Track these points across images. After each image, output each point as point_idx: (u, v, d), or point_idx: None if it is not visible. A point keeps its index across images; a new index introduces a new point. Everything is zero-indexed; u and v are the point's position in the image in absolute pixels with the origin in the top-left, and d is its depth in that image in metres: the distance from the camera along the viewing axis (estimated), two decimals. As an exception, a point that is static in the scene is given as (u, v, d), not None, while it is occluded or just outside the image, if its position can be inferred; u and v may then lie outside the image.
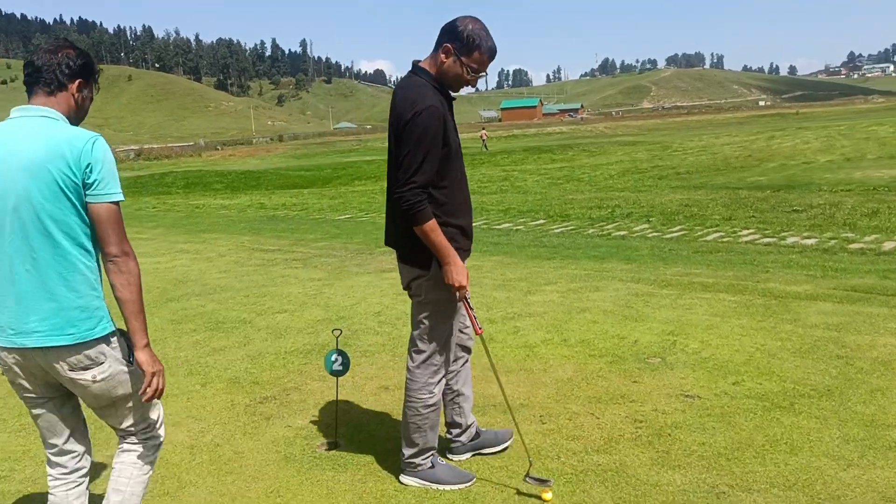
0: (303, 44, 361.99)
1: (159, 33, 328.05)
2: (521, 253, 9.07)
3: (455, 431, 3.49)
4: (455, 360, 3.38)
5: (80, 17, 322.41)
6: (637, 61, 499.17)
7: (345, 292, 7.25)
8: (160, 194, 24.86)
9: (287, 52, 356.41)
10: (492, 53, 2.94)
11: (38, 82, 2.35)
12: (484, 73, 2.98)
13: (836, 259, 7.90)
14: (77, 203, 2.27)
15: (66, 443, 2.54)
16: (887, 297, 6.06)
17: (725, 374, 4.44)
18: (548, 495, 3.06)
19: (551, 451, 3.54)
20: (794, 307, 5.87)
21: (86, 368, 2.35)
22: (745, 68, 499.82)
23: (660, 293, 6.61)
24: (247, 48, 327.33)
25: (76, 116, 2.43)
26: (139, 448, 2.59)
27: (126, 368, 2.44)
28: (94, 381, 2.37)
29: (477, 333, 3.13)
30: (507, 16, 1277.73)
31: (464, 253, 3.09)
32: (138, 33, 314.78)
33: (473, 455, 3.53)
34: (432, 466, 3.25)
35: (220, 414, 4.23)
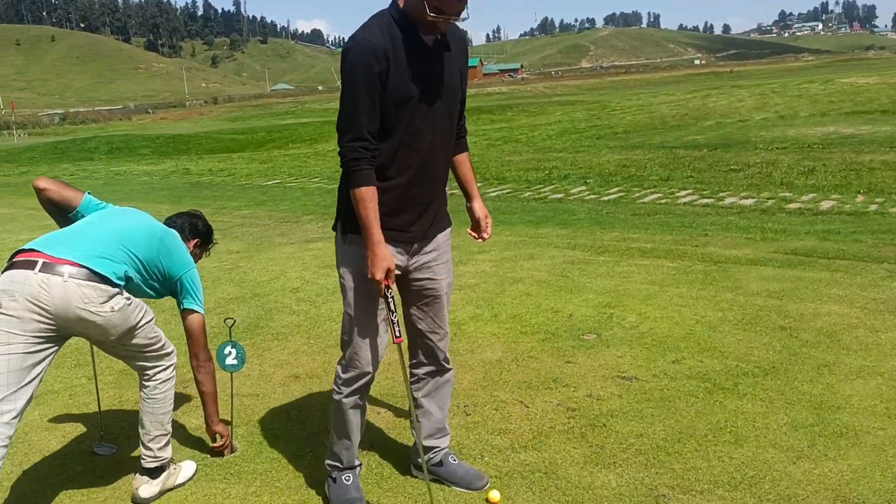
0: (236, 3, 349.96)
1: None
2: (454, 220, 8.63)
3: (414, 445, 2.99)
4: (417, 365, 2.86)
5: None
6: (576, 20, 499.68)
7: (263, 266, 6.73)
8: (81, 160, 23.51)
9: (220, 11, 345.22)
10: None
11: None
12: (451, 17, 2.28)
13: (774, 220, 7.71)
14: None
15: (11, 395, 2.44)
16: (828, 259, 5.85)
17: (665, 352, 4.13)
18: (494, 494, 2.74)
19: (475, 448, 3.16)
20: (735, 273, 5.61)
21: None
22: (681, 27, 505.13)
23: (596, 260, 6.29)
24: (178, 7, 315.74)
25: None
26: (157, 378, 2.85)
27: (128, 301, 2.65)
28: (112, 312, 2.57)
29: (394, 342, 2.52)
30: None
31: (400, 235, 2.50)
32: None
33: (433, 481, 2.87)
34: (334, 481, 2.80)
35: (102, 413, 3.72)
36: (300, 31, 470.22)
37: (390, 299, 2.47)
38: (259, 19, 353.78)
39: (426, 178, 2.51)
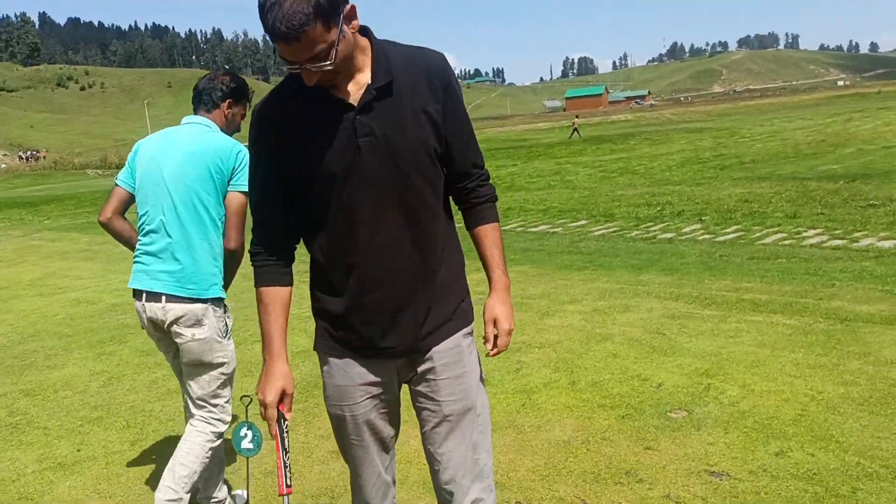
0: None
1: (228, 35, 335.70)
2: (550, 261, 8.11)
3: None
4: None
5: (153, 23, 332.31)
6: (707, 44, 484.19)
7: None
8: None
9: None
10: (269, 34, 1.60)
11: (199, 101, 2.96)
12: (293, 65, 1.64)
13: (919, 267, 6.68)
14: (220, 189, 2.84)
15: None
16: None
17: (767, 439, 3.44)
18: None
19: (517, 562, 2.64)
20: (865, 335, 4.77)
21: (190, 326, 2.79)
22: (822, 47, 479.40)
23: (700, 314, 5.58)
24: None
25: (228, 128, 2.99)
26: (204, 427, 2.90)
27: (218, 340, 2.84)
28: (193, 339, 2.79)
29: (280, 493, 1.89)
30: (571, 2, 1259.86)
31: (370, 352, 1.90)
32: (208, 36, 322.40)
33: None
34: None
35: (131, 489, 3.47)
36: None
37: (284, 433, 1.90)
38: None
39: (380, 277, 1.83)
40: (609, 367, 4.57)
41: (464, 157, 1.94)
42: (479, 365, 2.03)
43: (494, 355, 1.97)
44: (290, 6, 1.54)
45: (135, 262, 2.92)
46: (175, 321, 2.79)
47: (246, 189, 2.76)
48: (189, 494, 2.87)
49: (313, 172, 1.79)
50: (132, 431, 4.16)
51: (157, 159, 2.88)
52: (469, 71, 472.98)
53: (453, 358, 1.94)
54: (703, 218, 10.42)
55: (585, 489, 3.13)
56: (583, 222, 10.97)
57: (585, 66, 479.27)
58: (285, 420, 1.88)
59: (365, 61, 1.78)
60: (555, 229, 10.50)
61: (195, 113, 2.99)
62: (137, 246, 2.93)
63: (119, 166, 53.05)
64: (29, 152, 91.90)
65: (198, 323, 2.80)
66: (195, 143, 2.85)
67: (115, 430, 4.20)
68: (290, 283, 1.93)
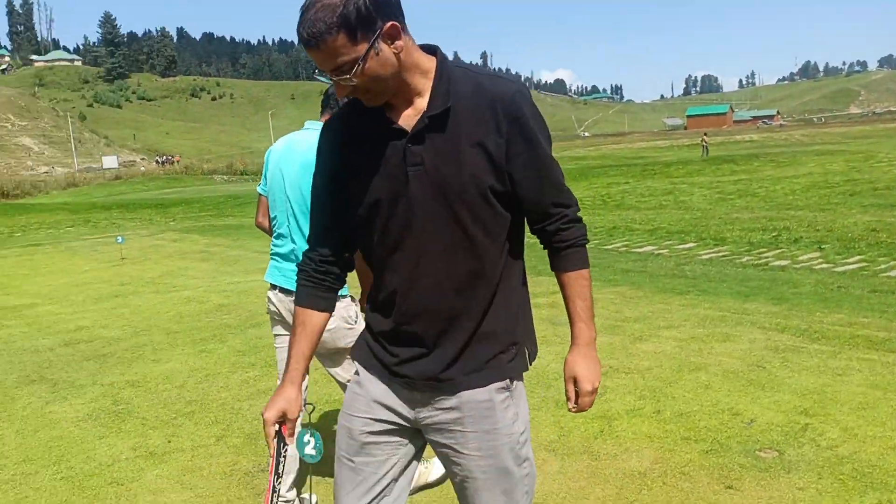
0: (483, 55, 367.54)
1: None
2: (651, 284, 7.84)
3: None
4: None
5: (280, 38, 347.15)
6: (844, 63, 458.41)
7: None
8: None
9: (469, 63, 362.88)
10: (303, 43, 1.58)
11: (327, 105, 3.07)
12: (325, 74, 1.61)
13: None
14: None
15: None
16: None
17: (866, 489, 3.17)
18: None
19: None
20: None
21: None
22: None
23: (807, 349, 5.24)
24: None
25: None
26: None
27: (348, 326, 3.04)
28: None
29: None
30: (694, 18, 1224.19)
31: (386, 373, 1.81)
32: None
33: None
34: None
35: (212, 482, 3.59)
36: (543, 81, 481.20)
37: (281, 456, 1.86)
38: (504, 71, 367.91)
39: (415, 312, 1.73)
40: (699, 399, 4.36)
41: (538, 198, 1.75)
42: (521, 432, 1.82)
43: (576, 412, 1.88)
44: (316, 13, 1.52)
45: (271, 258, 3.20)
46: None
47: None
48: None
49: (362, 195, 1.72)
50: (219, 427, 4.32)
51: (280, 167, 3.09)
52: (586, 87, 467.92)
53: (483, 412, 1.76)
54: (822, 246, 9.81)
55: (657, 525, 2.98)
56: (690, 245, 10.56)
57: (709, 84, 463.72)
58: (285, 445, 1.84)
59: (426, 85, 1.67)
60: (660, 251, 10.17)
61: (320, 117, 3.07)
62: (271, 245, 3.19)
63: (244, 173, 55.61)
64: (165, 157, 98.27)
65: None
66: (311, 153, 2.93)
67: (204, 425, 4.37)
68: (326, 309, 1.85)
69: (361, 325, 3.01)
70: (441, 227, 1.68)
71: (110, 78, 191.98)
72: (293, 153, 3.05)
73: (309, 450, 2.95)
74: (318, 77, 1.86)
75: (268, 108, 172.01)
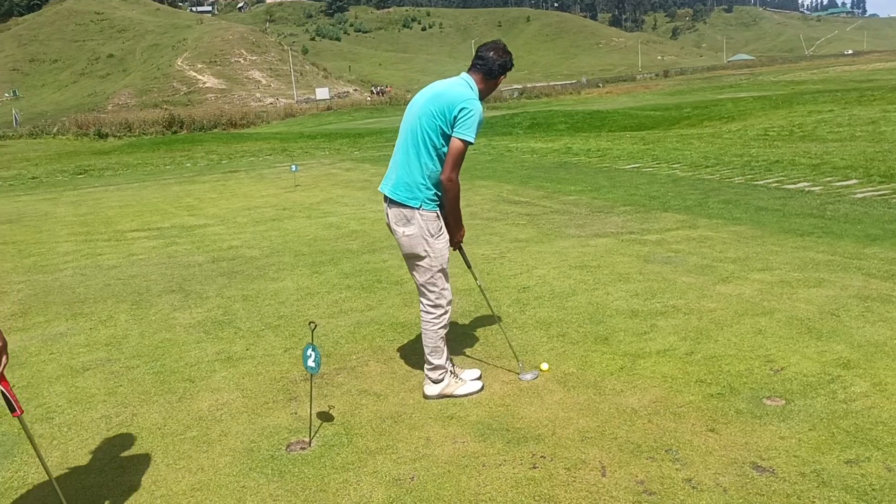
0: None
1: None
2: (776, 224, 7.40)
3: None
4: None
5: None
6: None
7: (522, 259, 6.67)
8: (500, 135, 25.76)
9: None
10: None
11: (474, 67, 3.73)
12: None
13: None
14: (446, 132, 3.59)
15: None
16: None
17: (851, 443, 3.08)
18: (544, 366, 4.05)
19: (502, 507, 2.80)
20: None
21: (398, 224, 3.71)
22: None
23: (903, 299, 4.85)
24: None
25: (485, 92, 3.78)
26: (427, 308, 3.77)
27: (427, 237, 3.64)
28: (404, 236, 3.69)
29: (14, 415, 2.60)
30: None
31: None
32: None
33: None
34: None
35: (262, 386, 4.18)
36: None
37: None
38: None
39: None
40: (741, 344, 4.27)
41: None
42: None
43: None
44: None
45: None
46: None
47: (466, 139, 3.58)
48: (447, 363, 3.83)
49: None
50: (291, 340, 4.92)
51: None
52: (822, 2, 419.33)
53: None
54: None
55: (614, 458, 3.12)
56: (851, 182, 9.65)
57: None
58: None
59: None
60: (813, 187, 9.42)
61: (469, 71, 3.73)
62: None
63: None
64: (379, 88, 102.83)
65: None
66: (443, 93, 3.67)
67: (281, 338, 5.00)
68: None
69: (439, 243, 3.71)
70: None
71: (331, 12, 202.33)
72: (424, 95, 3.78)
73: (311, 363, 3.43)
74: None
75: (474, 37, 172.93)
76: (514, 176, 12.75)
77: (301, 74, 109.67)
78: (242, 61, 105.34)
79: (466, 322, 5.06)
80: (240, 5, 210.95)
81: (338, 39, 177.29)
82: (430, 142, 3.59)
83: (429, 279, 3.74)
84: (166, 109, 66.96)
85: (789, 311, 4.79)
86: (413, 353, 4.44)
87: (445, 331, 3.81)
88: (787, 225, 7.34)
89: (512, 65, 3.79)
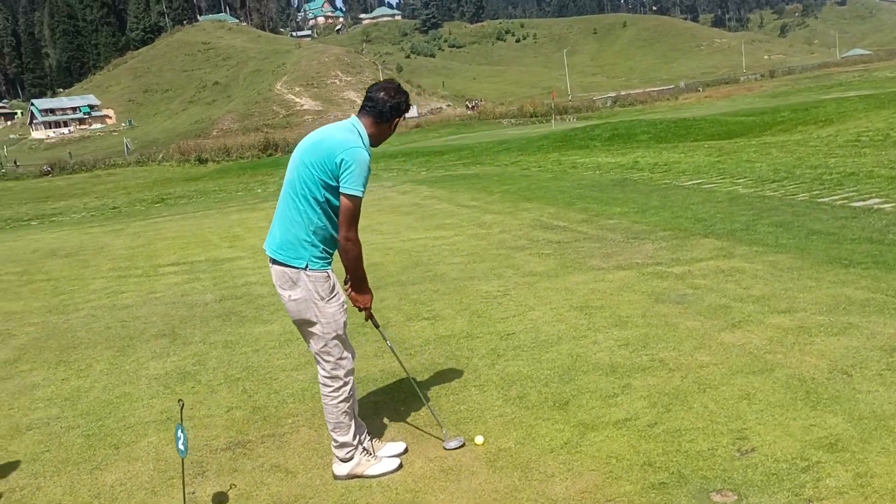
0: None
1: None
2: (823, 252, 6.54)
3: None
4: None
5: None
6: None
7: (524, 299, 6.14)
8: (576, 149, 24.97)
9: None
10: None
11: (363, 109, 3.36)
12: None
13: None
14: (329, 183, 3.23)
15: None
16: None
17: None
18: (478, 439, 3.54)
19: None
20: None
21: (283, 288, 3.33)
22: None
23: (939, 354, 4.06)
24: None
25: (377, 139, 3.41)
26: (323, 380, 3.38)
27: (316, 301, 3.25)
28: (290, 300, 3.31)
29: None
30: None
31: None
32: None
33: None
34: None
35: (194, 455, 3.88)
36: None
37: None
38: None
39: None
40: (717, 413, 3.64)
41: None
42: None
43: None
44: None
45: None
46: None
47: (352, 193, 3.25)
48: (355, 439, 3.42)
49: None
50: (240, 398, 4.61)
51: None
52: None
53: None
54: None
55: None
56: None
57: None
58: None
59: None
60: (884, 205, 8.38)
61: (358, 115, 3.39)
62: None
63: (533, 115, 55.63)
64: (473, 102, 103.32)
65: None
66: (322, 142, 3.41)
67: (233, 394, 4.70)
68: None
69: (330, 308, 3.31)
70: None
71: (425, 29, 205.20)
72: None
73: (180, 444, 3.09)
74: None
75: (568, 46, 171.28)
76: (564, 196, 12.13)
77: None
78: (338, 82, 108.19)
79: (399, 381, 4.61)
80: (338, 28, 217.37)
81: (432, 56, 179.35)
82: (311, 195, 3.26)
83: (322, 347, 3.38)
84: (265, 133, 69.46)
85: (794, 367, 4.09)
86: (364, 414, 4.04)
87: (348, 404, 3.41)
88: (836, 253, 6.48)
89: (408, 106, 3.39)
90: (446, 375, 4.57)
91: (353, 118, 3.38)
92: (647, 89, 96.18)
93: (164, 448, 3.99)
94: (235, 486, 3.47)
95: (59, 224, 18.45)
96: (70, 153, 73.15)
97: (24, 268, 11.09)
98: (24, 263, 11.56)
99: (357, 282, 3.42)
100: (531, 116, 65.29)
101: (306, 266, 3.26)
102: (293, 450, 3.80)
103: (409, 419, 4.02)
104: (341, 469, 3.43)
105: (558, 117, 58.64)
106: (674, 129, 28.30)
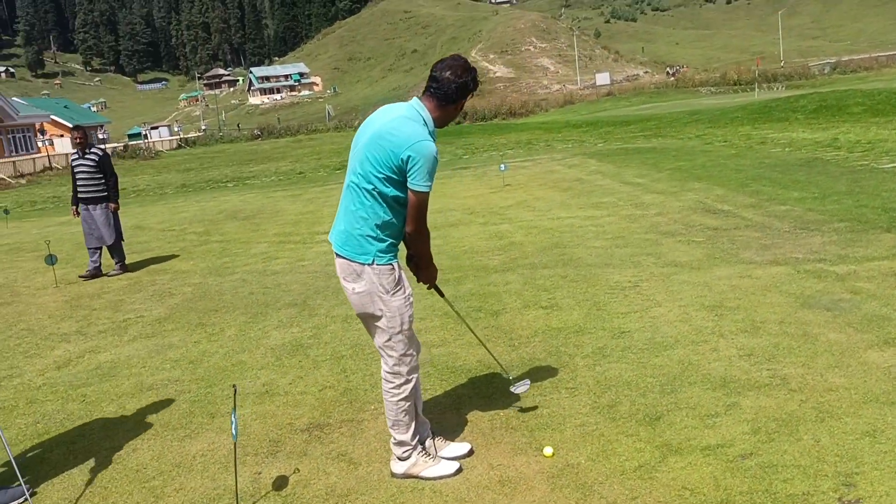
0: None
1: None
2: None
3: None
4: None
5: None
6: None
7: (653, 293, 5.67)
8: (774, 121, 22.83)
9: None
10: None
11: (427, 91, 3.17)
12: None
13: None
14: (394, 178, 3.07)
15: None
16: None
17: None
18: (547, 450, 3.31)
19: None
20: None
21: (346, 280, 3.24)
22: None
23: None
24: None
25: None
26: (386, 375, 3.28)
27: (381, 295, 3.14)
28: (353, 293, 3.22)
29: None
30: None
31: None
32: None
33: None
34: None
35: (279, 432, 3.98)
36: None
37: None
38: None
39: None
40: (828, 449, 3.11)
41: None
42: None
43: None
44: None
45: None
46: None
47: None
48: (414, 438, 3.33)
49: None
50: (339, 377, 4.65)
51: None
52: None
53: None
54: None
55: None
56: None
57: None
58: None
59: None
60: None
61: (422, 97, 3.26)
62: None
63: (737, 83, 51.61)
64: (675, 68, 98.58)
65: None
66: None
67: (333, 372, 4.75)
68: None
69: (395, 301, 3.18)
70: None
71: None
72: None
73: (233, 429, 3.16)
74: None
75: (786, 6, 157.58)
76: (738, 177, 11.14)
77: (590, 59, 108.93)
78: (532, 49, 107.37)
79: (472, 377, 4.39)
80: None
81: (633, 20, 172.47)
82: (377, 190, 3.12)
83: (386, 342, 3.26)
84: (457, 101, 70.28)
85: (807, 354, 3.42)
86: (439, 409, 3.93)
87: (409, 403, 3.29)
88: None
89: (476, 85, 3.14)
90: (540, 373, 4.31)
91: (416, 101, 3.19)
92: (875, 54, 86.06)
93: (252, 422, 4.10)
94: (299, 470, 3.48)
95: (250, 187, 19.90)
96: (278, 118, 78.89)
97: (206, 228, 12.06)
98: (208, 224, 12.57)
99: (426, 261, 3.32)
100: (734, 84, 60.95)
101: (373, 261, 3.16)
102: (364, 439, 3.76)
103: (480, 418, 3.84)
104: (398, 467, 3.33)
105: (765, 85, 54.28)
106: (892, 100, 25.07)
